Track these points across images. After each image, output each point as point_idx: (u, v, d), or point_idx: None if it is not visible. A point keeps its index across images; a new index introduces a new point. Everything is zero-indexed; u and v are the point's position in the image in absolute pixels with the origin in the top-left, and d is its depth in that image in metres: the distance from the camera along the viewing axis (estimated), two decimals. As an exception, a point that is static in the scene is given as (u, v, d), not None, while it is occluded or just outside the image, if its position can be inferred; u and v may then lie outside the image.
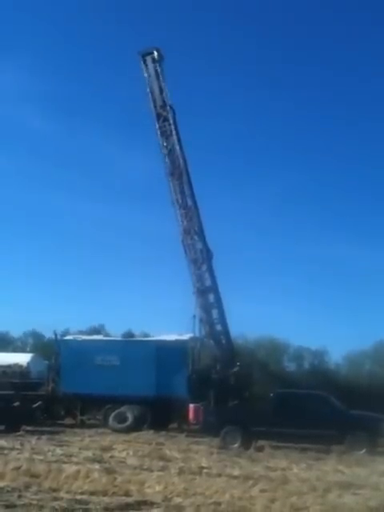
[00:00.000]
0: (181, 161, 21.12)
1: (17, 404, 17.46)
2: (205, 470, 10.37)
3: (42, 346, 29.87)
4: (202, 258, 20.78)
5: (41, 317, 49.06)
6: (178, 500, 7.47)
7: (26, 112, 54.26)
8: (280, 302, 46.19)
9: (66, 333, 22.81)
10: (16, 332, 40.82)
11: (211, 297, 20.73)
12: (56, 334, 21.67)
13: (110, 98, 53.34)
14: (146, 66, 21.58)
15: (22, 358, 23.82)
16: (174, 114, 21.43)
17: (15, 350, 26.74)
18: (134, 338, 26.59)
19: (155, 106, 21.42)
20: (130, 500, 7.37)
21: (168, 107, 21.39)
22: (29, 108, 55.23)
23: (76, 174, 56.12)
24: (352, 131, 53.49)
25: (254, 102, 54.54)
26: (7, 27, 54.12)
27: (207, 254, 20.77)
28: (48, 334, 29.47)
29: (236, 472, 10.23)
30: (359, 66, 52.50)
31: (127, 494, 7.78)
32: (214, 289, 20.76)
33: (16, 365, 22.62)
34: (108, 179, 55.51)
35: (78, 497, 7.39)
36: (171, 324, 55.14)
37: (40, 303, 49.64)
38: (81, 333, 23.62)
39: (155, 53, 21.53)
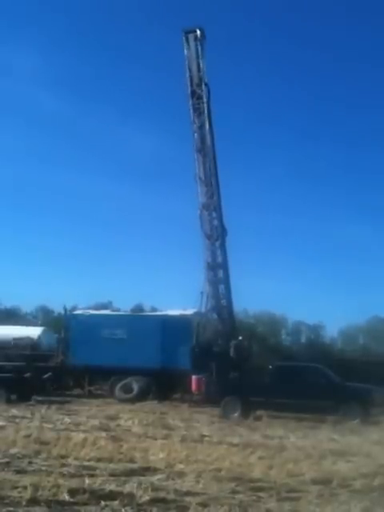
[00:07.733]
0: (209, 139, 21.44)
1: (28, 375, 17.88)
2: (206, 438, 10.65)
3: (52, 321, 30.35)
4: (216, 235, 21.18)
5: (50, 293, 49.95)
6: (180, 466, 7.67)
7: (40, 92, 54.41)
8: (280, 278, 46.73)
9: (74, 308, 23.34)
10: (27, 307, 41.76)
11: (220, 272, 21.17)
12: (66, 309, 22.01)
13: (123, 81, 53.05)
14: (188, 43, 21.83)
15: (33, 332, 24.16)
16: (208, 92, 21.73)
17: (26, 324, 27.22)
18: (140, 313, 27.17)
19: (191, 84, 21.74)
20: (134, 466, 7.55)
21: (203, 85, 21.66)
22: (42, 89, 55.30)
23: (87, 152, 56.68)
24: (356, 112, 52.94)
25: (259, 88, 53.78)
26: (23, 9, 54.20)
27: (222, 231, 21.15)
28: (57, 310, 30.12)
29: (235, 440, 10.48)
30: (363, 51, 51.47)
31: (132, 460, 7.99)
32: (224, 265, 21.16)
33: (27, 338, 22.93)
34: (117, 158, 55.91)
35: (86, 463, 7.58)
36: (180, 299, 55.86)
37: (50, 279, 50.50)
38: (89, 308, 24.12)
39: (198, 31, 21.78)
